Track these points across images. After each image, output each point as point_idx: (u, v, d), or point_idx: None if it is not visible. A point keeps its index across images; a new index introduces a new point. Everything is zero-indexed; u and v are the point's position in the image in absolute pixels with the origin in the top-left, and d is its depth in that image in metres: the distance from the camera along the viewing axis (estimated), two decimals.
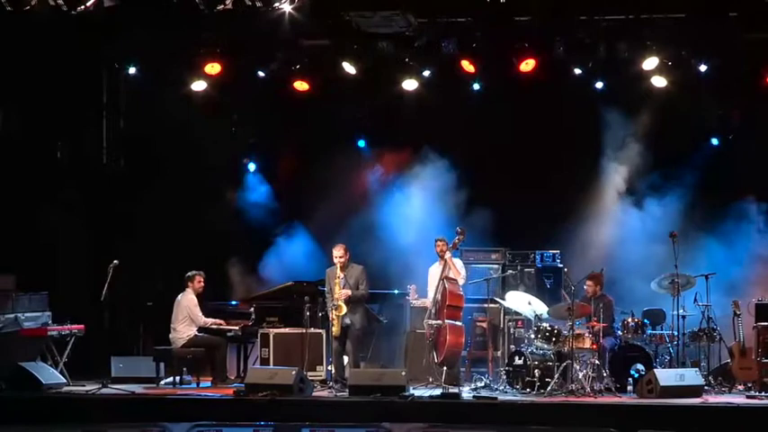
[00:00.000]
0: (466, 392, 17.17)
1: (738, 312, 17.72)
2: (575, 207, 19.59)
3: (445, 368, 17.55)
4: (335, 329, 17.68)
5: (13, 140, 19.63)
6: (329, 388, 17.61)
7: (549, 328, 17.46)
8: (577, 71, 19.04)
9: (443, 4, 18.27)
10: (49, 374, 17.63)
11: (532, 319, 17.81)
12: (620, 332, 17.75)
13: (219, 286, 19.69)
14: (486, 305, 18.43)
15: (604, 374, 17.20)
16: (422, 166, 19.96)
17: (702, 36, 18.23)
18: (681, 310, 17.71)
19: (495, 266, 19.22)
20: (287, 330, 18.29)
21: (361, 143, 20.55)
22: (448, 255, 17.93)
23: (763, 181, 19.15)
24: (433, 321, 17.82)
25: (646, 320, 17.86)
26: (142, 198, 20.27)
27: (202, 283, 18.45)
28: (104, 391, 17.29)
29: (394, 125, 20.14)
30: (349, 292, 17.68)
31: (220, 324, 18.45)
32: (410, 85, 19.34)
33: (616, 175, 19.75)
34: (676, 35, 18.37)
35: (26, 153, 19.69)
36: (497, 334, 18.79)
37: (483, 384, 17.70)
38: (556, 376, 17.07)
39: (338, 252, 17.83)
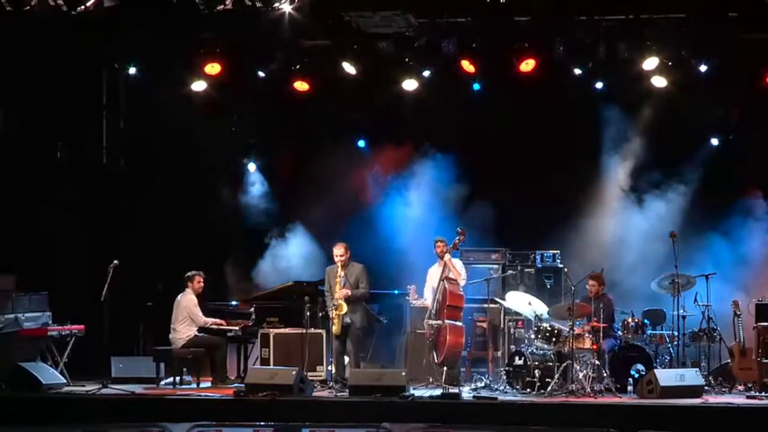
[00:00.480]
0: (466, 393, 17.18)
1: (738, 312, 17.72)
2: (575, 207, 19.59)
3: (445, 368, 17.55)
4: (336, 328, 17.68)
5: (13, 140, 19.64)
6: (329, 388, 17.61)
7: (549, 329, 17.46)
8: (577, 71, 19.03)
9: (443, 4, 18.27)
10: (49, 375, 17.64)
11: (532, 319, 17.81)
12: (620, 332, 17.75)
13: (219, 286, 19.69)
14: (486, 305, 18.42)
15: (604, 375, 17.20)
16: (422, 166, 19.98)
17: (702, 36, 18.23)
18: (681, 311, 17.70)
19: (496, 267, 19.22)
20: (287, 330, 18.30)
21: (361, 143, 20.54)
22: (447, 257, 17.92)
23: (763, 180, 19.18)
24: (434, 321, 17.82)
25: (646, 321, 17.86)
26: (142, 198, 20.27)
27: (202, 284, 18.45)
28: (104, 391, 17.30)
29: (394, 125, 20.15)
30: (349, 292, 17.68)
31: (220, 324, 18.45)
32: (410, 85, 19.34)
33: (616, 175, 19.76)
34: (676, 35, 18.37)
35: (26, 153, 19.70)
36: (497, 334, 18.80)
37: (483, 385, 17.70)
38: (556, 376, 17.07)
39: (338, 250, 17.82)
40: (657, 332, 17.97)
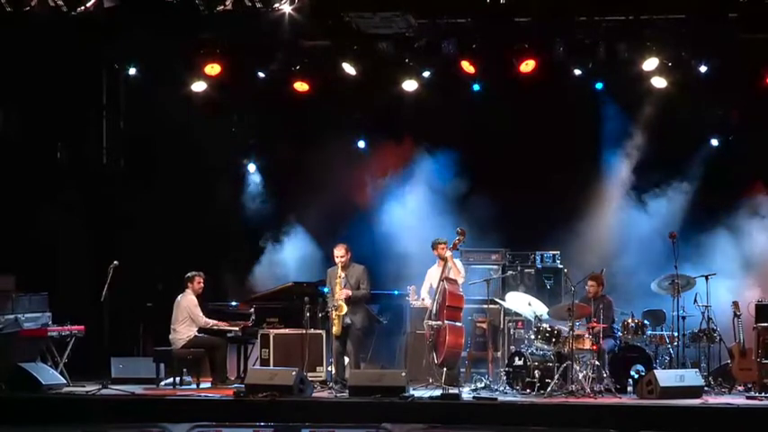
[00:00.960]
0: (466, 393, 17.18)
1: (738, 313, 17.72)
2: (575, 207, 19.60)
3: (445, 369, 17.56)
4: (336, 329, 17.69)
5: (13, 141, 19.64)
6: (329, 389, 17.62)
7: (548, 329, 17.47)
8: (577, 72, 19.04)
9: (443, 4, 18.27)
10: (48, 375, 17.64)
11: (532, 319, 17.81)
12: (620, 333, 17.75)
13: (219, 287, 19.69)
14: (486, 306, 18.42)
15: (604, 375, 17.20)
16: (421, 166, 19.99)
17: (702, 36, 18.23)
18: (681, 311, 17.71)
19: (495, 267, 19.21)
20: (287, 331, 18.29)
21: (362, 143, 20.55)
22: (448, 254, 17.92)
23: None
24: (433, 322, 17.82)
25: (646, 321, 17.85)
26: (142, 198, 20.27)
27: (202, 284, 18.45)
28: (104, 391, 17.30)
29: (394, 126, 20.15)
30: (349, 292, 17.70)
31: (221, 325, 18.44)
32: (410, 85, 19.34)
33: (616, 176, 19.76)
34: (676, 35, 18.38)
35: (26, 153, 19.70)
36: (497, 335, 18.80)
37: (483, 385, 17.70)
38: (556, 377, 17.08)
39: (339, 252, 17.84)
40: (657, 333, 17.97)
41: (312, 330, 17.90)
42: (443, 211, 19.44)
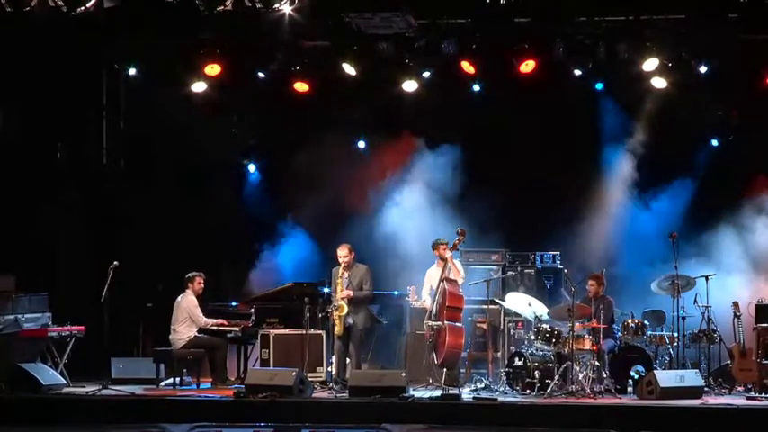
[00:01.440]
0: (466, 394, 17.18)
1: (738, 314, 17.73)
2: (575, 208, 19.60)
3: (445, 369, 17.55)
4: (338, 329, 17.71)
5: (13, 141, 19.64)
6: (329, 388, 17.62)
7: (549, 330, 17.47)
8: (577, 72, 19.04)
9: (443, 5, 18.27)
10: (48, 375, 17.63)
11: (532, 320, 17.82)
12: (620, 333, 17.75)
13: (219, 287, 19.69)
14: (486, 306, 18.41)
15: (604, 376, 17.20)
16: (421, 166, 19.97)
17: (702, 36, 18.22)
18: (681, 312, 17.71)
19: (495, 267, 19.20)
20: (287, 331, 18.29)
21: (362, 144, 20.54)
22: (449, 254, 17.93)
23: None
24: (433, 322, 17.81)
25: (646, 321, 17.85)
26: (142, 198, 20.27)
27: (202, 284, 18.45)
28: (104, 392, 17.29)
29: (394, 126, 20.14)
30: (351, 293, 17.71)
31: (221, 325, 18.45)
32: (410, 86, 19.33)
33: (616, 176, 19.75)
34: (676, 36, 18.37)
35: (26, 154, 19.70)
36: (497, 335, 18.79)
37: (483, 385, 17.71)
38: (556, 377, 17.08)
39: (342, 252, 17.85)
40: (657, 333, 17.96)
41: (312, 331, 17.90)
42: (443, 212, 19.44)
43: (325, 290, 18.21)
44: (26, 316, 18.21)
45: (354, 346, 17.78)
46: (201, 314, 18.30)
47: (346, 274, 17.85)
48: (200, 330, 18.30)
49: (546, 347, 17.42)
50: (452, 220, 19.03)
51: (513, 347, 18.41)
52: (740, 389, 17.52)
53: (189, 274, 18.40)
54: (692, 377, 16.96)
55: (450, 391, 16.96)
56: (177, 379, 18.06)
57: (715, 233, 19.04)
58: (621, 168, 19.67)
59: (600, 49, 18.50)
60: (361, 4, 18.03)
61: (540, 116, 19.38)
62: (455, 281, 17.90)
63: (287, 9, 18.02)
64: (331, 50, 19.16)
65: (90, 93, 20.47)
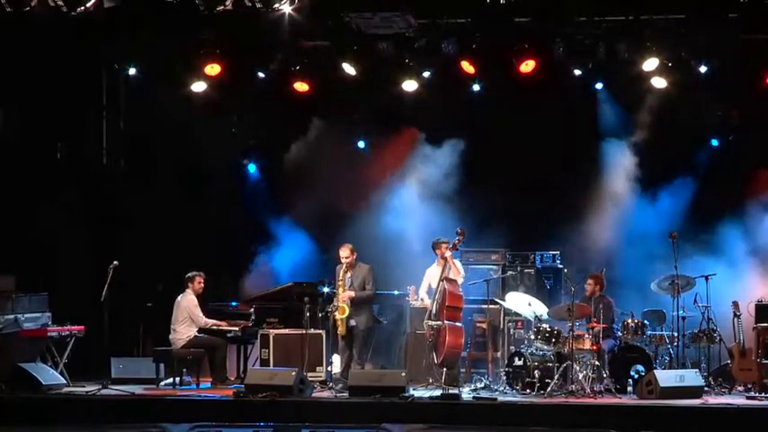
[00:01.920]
0: (466, 393, 17.18)
1: (738, 313, 17.73)
2: (575, 207, 19.59)
3: (445, 369, 17.56)
4: (341, 329, 17.75)
5: (13, 141, 19.63)
6: (329, 388, 17.62)
7: (548, 329, 17.47)
8: (577, 72, 19.05)
9: (443, 5, 18.27)
10: (48, 375, 17.63)
11: (532, 319, 17.82)
12: (619, 333, 17.75)
13: (219, 287, 19.69)
14: (485, 306, 18.41)
15: (604, 375, 17.20)
16: (421, 166, 19.97)
17: (702, 37, 18.22)
18: (681, 311, 17.71)
19: (495, 267, 19.20)
20: (287, 331, 18.29)
21: (361, 144, 20.54)
22: (448, 253, 17.93)
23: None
24: (433, 322, 17.82)
25: (646, 321, 17.86)
26: (142, 198, 20.26)
27: (202, 284, 18.45)
28: (104, 391, 17.30)
29: (394, 126, 20.14)
30: (352, 294, 17.75)
31: (221, 325, 18.45)
32: (410, 85, 19.34)
33: (616, 176, 19.75)
34: (676, 36, 18.38)
35: (26, 153, 19.70)
36: (497, 335, 18.79)
37: (483, 385, 17.71)
38: (556, 377, 17.08)
39: (344, 253, 17.88)
40: (657, 333, 17.97)
41: (312, 330, 17.90)
42: (443, 211, 19.44)
43: (325, 289, 18.20)
44: (26, 316, 18.22)
45: (358, 346, 17.81)
46: (201, 314, 18.30)
47: (348, 275, 17.88)
48: (200, 330, 18.30)
49: (546, 347, 17.42)
50: (452, 219, 19.04)
51: (512, 347, 18.41)
52: (740, 389, 17.52)
53: (189, 274, 18.40)
54: (691, 377, 16.96)
55: (450, 391, 16.96)
56: (177, 379, 18.06)
57: (716, 232, 19.04)
58: (621, 168, 19.65)
59: (600, 49, 18.51)
60: (361, 3, 18.04)
61: (540, 116, 19.38)
62: (455, 280, 17.91)
63: (287, 9, 18.02)
64: (331, 50, 19.17)
65: (90, 93, 20.46)
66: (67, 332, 18.45)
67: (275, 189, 20.62)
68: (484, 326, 18.57)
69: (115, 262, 17.81)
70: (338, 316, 17.77)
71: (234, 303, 19.25)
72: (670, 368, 17.53)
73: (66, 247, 19.93)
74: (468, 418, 16.29)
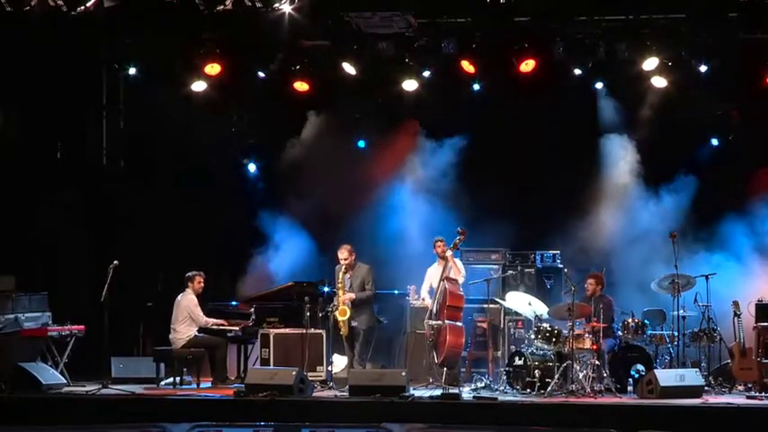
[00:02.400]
0: (466, 393, 17.18)
1: (738, 313, 17.72)
2: (575, 207, 19.59)
3: (445, 369, 17.57)
4: (344, 330, 17.80)
5: (13, 141, 19.62)
6: (329, 388, 17.62)
7: (549, 329, 17.47)
8: (577, 71, 19.05)
9: (443, 4, 18.29)
10: (49, 375, 17.63)
11: (532, 319, 17.82)
12: (620, 332, 17.75)
13: (219, 286, 19.68)
14: (486, 305, 18.44)
15: (604, 375, 17.20)
16: (421, 166, 19.98)
17: (702, 36, 18.24)
18: (681, 311, 17.71)
19: (496, 267, 19.22)
20: (287, 331, 18.28)
21: (361, 143, 20.54)
22: (449, 253, 17.94)
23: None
24: (434, 322, 17.83)
25: (646, 321, 17.85)
26: (142, 198, 20.26)
27: (202, 284, 18.44)
28: (104, 391, 17.29)
29: (394, 126, 20.14)
30: (352, 296, 17.78)
31: (221, 324, 18.44)
32: (410, 85, 19.34)
33: (616, 175, 19.75)
34: (676, 35, 18.39)
35: (26, 153, 19.69)
36: (497, 334, 18.80)
37: (483, 385, 17.71)
38: (556, 377, 17.08)
39: (342, 254, 17.90)
40: (657, 332, 17.96)
41: (312, 330, 17.91)
42: (443, 211, 19.45)
43: (325, 289, 18.20)
44: (26, 315, 18.23)
45: (360, 346, 17.85)
46: (202, 313, 18.30)
47: (348, 276, 17.90)
48: (201, 330, 18.29)
49: (546, 347, 17.42)
50: (452, 219, 19.04)
51: (513, 347, 18.41)
52: (740, 388, 17.51)
53: (189, 274, 18.40)
54: (692, 376, 16.95)
55: (451, 391, 16.95)
56: (177, 378, 18.06)
57: (717, 232, 19.04)
58: (622, 167, 19.66)
59: (600, 49, 18.53)
60: (360, 3, 18.07)
61: (540, 116, 19.37)
62: (455, 280, 17.93)
63: (287, 8, 18.04)
64: (331, 50, 19.17)
65: (90, 92, 20.45)
66: (68, 332, 18.44)
67: (275, 189, 20.60)
68: (484, 325, 18.59)
69: (115, 262, 17.80)
70: (339, 317, 17.80)
71: (234, 303, 19.24)
72: (670, 368, 17.52)
73: (66, 247, 19.94)
74: (468, 417, 16.27)
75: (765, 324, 17.56)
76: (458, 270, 18.01)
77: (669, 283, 17.85)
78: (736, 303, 17.78)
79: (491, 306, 18.46)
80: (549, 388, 16.99)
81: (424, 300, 18.36)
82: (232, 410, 16.55)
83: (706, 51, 18.50)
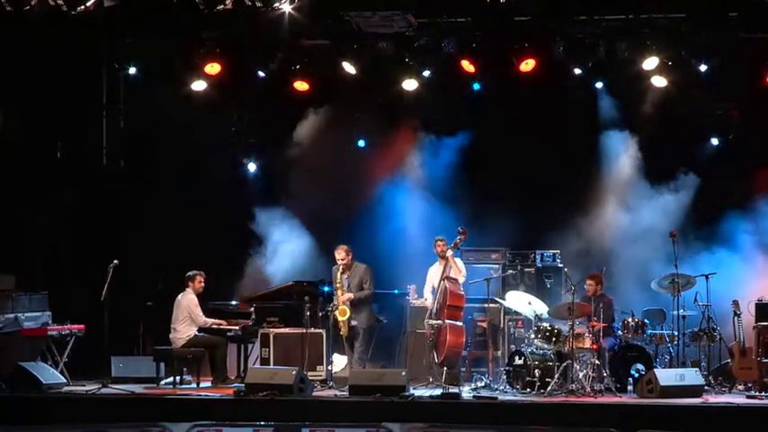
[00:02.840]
0: (466, 392, 17.19)
1: (738, 312, 17.72)
2: (575, 206, 19.59)
3: (445, 368, 17.56)
4: (344, 330, 17.80)
5: (12, 140, 19.62)
6: (329, 387, 17.62)
7: (549, 328, 17.47)
8: (577, 71, 19.04)
9: (443, 4, 18.30)
10: (49, 374, 17.63)
11: (532, 318, 17.82)
12: (620, 332, 17.75)
13: (219, 286, 19.68)
14: (486, 305, 18.45)
15: (604, 374, 17.20)
16: (421, 165, 19.98)
17: (702, 35, 18.24)
18: (681, 310, 17.71)
19: (496, 266, 19.21)
20: (287, 330, 18.29)
21: (362, 143, 20.53)
22: (449, 253, 17.94)
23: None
24: (434, 321, 17.83)
25: (646, 320, 17.85)
26: (142, 198, 20.26)
27: (203, 283, 18.44)
28: (104, 391, 17.30)
29: (394, 125, 20.14)
30: (352, 296, 17.77)
31: (221, 324, 18.45)
32: (410, 85, 19.33)
33: (616, 174, 19.75)
34: (676, 35, 18.38)
35: (26, 153, 19.69)
36: (497, 334, 18.80)
37: (483, 384, 17.71)
38: (556, 376, 17.08)
39: (339, 255, 17.91)
40: (657, 332, 17.96)
41: (312, 329, 17.92)
42: (443, 210, 19.44)
43: (326, 288, 18.20)
44: (26, 315, 18.24)
45: (360, 345, 17.85)
46: (202, 313, 18.30)
47: (345, 276, 17.90)
48: (201, 329, 18.29)
49: (546, 346, 17.42)
50: (453, 218, 19.03)
51: (513, 346, 18.40)
52: (740, 387, 17.51)
53: (189, 273, 18.40)
54: (692, 376, 16.95)
55: (451, 390, 16.96)
56: (177, 378, 18.06)
57: (717, 231, 19.03)
58: (622, 167, 19.67)
59: (600, 48, 18.53)
60: (360, 2, 18.08)
61: (540, 115, 19.37)
62: (456, 279, 17.93)
63: (287, 8, 18.06)
64: (331, 49, 19.17)
65: (90, 92, 20.44)
66: (68, 331, 18.45)
67: (275, 188, 20.58)
68: (484, 325, 18.59)
69: (115, 261, 17.81)
70: (340, 317, 17.81)
71: (234, 303, 19.23)
72: (670, 367, 17.53)
73: (66, 246, 19.94)
74: (468, 417, 16.29)
75: (765, 324, 17.55)
76: (458, 269, 18.02)
77: (669, 283, 17.84)
78: (735, 303, 17.77)
79: (491, 305, 18.47)
80: (549, 387, 16.99)
81: (426, 300, 18.35)
82: (232, 410, 16.56)
83: (706, 51, 18.49)
